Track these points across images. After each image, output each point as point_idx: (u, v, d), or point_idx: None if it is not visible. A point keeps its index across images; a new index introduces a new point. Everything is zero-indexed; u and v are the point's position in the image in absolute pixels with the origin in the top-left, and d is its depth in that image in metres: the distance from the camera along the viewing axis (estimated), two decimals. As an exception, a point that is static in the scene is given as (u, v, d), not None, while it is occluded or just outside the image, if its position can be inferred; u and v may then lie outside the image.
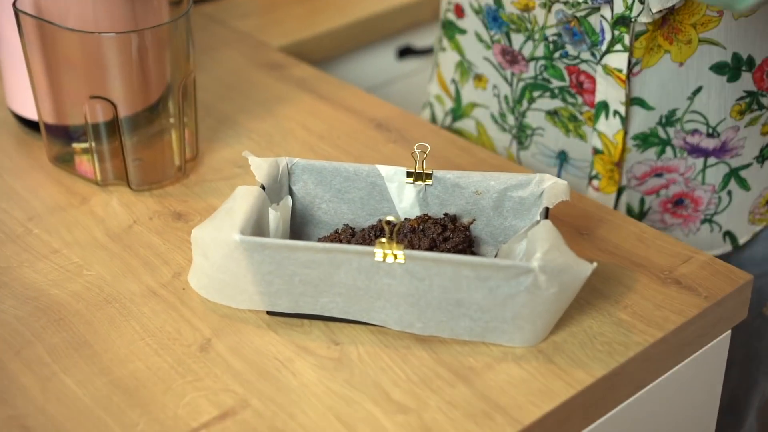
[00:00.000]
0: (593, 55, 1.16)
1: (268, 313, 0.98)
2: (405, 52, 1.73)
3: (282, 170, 1.03)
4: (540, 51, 1.21)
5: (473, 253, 1.02)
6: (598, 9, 1.11)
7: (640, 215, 1.25)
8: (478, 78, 1.31)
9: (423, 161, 1.03)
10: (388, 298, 0.93)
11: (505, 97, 1.28)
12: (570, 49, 1.18)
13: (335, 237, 1.01)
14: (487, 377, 0.92)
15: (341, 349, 0.95)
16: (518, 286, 0.90)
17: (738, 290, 1.03)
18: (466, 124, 1.37)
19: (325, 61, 1.61)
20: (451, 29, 1.33)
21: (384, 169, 1.04)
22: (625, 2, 1.09)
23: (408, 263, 0.90)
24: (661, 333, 0.97)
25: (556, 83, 1.21)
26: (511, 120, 1.29)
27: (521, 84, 1.25)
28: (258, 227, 0.96)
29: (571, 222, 1.12)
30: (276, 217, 0.99)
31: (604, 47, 1.13)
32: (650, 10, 1.07)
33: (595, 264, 0.91)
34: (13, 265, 1.06)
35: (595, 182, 1.24)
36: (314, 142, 1.27)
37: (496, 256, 1.03)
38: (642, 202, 1.24)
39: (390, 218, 0.91)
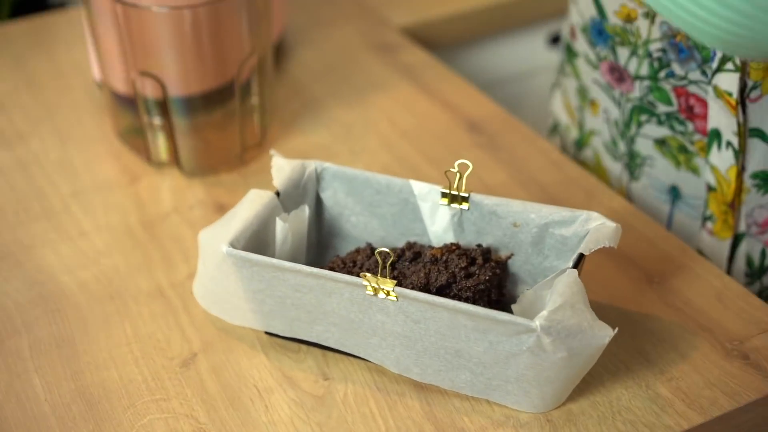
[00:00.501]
0: (704, 74, 0.99)
1: (267, 333, 0.89)
2: (558, 40, 1.58)
3: (308, 175, 0.94)
4: (645, 69, 1.04)
5: (502, 295, 0.90)
6: None
7: (761, 270, 1.06)
8: (592, 103, 1.16)
9: (461, 181, 0.90)
10: (383, 336, 0.82)
11: (615, 122, 1.12)
12: (677, 68, 1.01)
13: (353, 257, 0.91)
14: (475, 444, 0.80)
15: (329, 385, 0.85)
16: (520, 345, 0.77)
17: (819, 376, 0.85)
18: (586, 155, 1.22)
19: (453, 45, 1.48)
20: (569, 53, 1.19)
21: (417, 186, 0.92)
22: None
23: (401, 302, 0.79)
24: (700, 418, 0.81)
25: (662, 108, 1.05)
26: (621, 147, 1.13)
27: (629, 105, 1.09)
28: (260, 239, 0.88)
29: (644, 265, 0.97)
30: (284, 228, 0.89)
31: (715, 65, 0.96)
32: None
33: (615, 330, 0.77)
34: (36, 244, 1.02)
35: (709, 224, 1.06)
36: (394, 139, 1.16)
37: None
38: (764, 254, 1.05)
39: (384, 249, 0.80)
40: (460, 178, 0.90)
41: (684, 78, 1.01)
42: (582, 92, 1.17)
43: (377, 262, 0.89)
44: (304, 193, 0.94)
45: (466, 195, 0.90)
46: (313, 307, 0.84)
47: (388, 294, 0.80)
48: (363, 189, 0.94)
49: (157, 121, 1.09)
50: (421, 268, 0.88)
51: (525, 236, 0.90)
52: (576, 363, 0.78)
